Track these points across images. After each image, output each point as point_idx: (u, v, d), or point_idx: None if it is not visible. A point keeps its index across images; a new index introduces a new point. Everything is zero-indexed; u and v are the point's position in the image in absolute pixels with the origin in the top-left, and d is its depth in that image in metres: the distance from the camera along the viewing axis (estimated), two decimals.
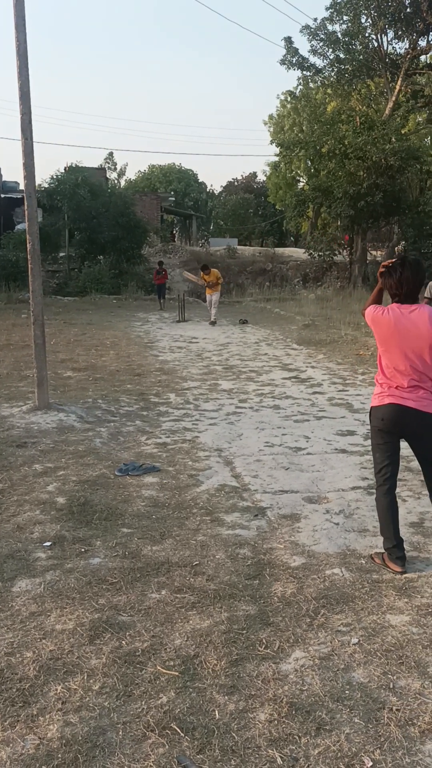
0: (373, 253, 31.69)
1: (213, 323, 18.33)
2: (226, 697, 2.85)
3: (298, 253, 35.08)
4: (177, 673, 3.00)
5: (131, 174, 62.77)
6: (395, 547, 4.02)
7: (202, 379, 10.57)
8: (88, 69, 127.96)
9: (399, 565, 3.99)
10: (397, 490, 5.24)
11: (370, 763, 2.47)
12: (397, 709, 2.76)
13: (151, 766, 2.46)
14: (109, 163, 50.19)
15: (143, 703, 2.81)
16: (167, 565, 4.09)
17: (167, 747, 2.56)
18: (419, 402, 3.86)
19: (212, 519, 4.84)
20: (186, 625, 3.42)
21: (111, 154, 51.67)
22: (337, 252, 28.15)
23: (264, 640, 3.27)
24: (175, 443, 6.84)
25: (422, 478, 5.57)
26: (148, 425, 7.56)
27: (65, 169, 29.53)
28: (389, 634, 3.33)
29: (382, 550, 4.17)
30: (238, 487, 5.54)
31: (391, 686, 2.92)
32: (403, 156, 24.13)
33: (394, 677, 2.98)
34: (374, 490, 4.90)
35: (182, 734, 2.62)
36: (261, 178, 61.70)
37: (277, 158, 44.07)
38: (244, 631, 3.35)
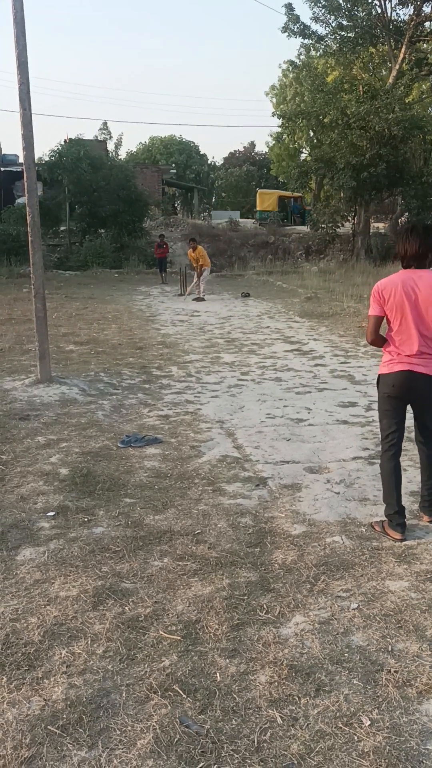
0: (377, 225, 31.45)
1: (200, 299, 17.99)
2: (227, 660, 2.90)
3: (300, 225, 34.87)
4: (179, 638, 3.06)
5: (132, 146, 62.11)
6: (396, 514, 4.06)
7: (204, 352, 10.58)
8: (86, 40, 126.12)
9: (399, 533, 4.03)
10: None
11: (368, 722, 2.52)
12: (395, 671, 2.81)
13: (154, 725, 2.51)
14: (104, 132, 49.49)
15: (146, 666, 2.87)
16: (169, 533, 4.14)
17: (170, 708, 2.61)
18: (427, 367, 3.96)
19: (214, 489, 4.88)
20: (188, 591, 3.47)
21: (105, 123, 50.93)
22: (340, 224, 27.92)
23: (265, 606, 3.32)
24: (177, 415, 6.87)
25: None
26: (150, 398, 7.58)
27: (65, 141, 29.23)
28: (388, 599, 3.38)
29: (382, 519, 4.21)
30: (240, 458, 5.57)
31: (390, 649, 2.97)
32: (406, 126, 23.77)
33: (393, 640, 3.03)
34: (375, 460, 4.94)
35: (184, 696, 2.68)
36: (260, 148, 61.01)
37: (279, 129, 43.59)
38: (245, 597, 3.40)
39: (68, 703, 2.64)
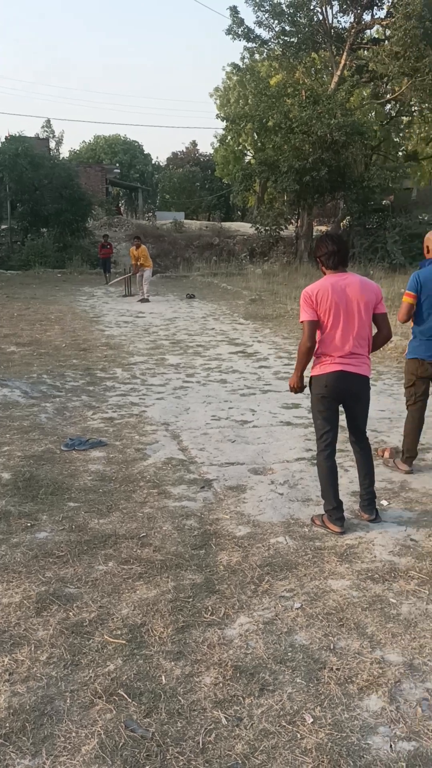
0: (319, 228, 31.90)
1: (145, 300, 17.95)
2: (172, 663, 2.91)
3: (245, 227, 35.04)
4: (124, 642, 3.06)
5: (75, 144, 61.26)
6: (335, 509, 4.19)
7: (149, 353, 10.55)
8: (32, 38, 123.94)
9: (338, 526, 4.16)
10: (340, 460, 5.39)
11: (311, 720, 2.57)
12: (337, 669, 2.87)
13: (98, 731, 2.51)
14: (47, 130, 48.67)
15: (90, 671, 2.86)
16: (114, 537, 4.12)
17: (115, 712, 2.61)
18: (359, 367, 4.16)
19: (159, 492, 4.89)
20: (133, 595, 3.46)
21: (48, 121, 50.12)
22: (283, 227, 28.21)
23: (210, 607, 3.35)
24: (122, 418, 6.84)
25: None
26: (95, 400, 7.53)
27: (6, 138, 28.69)
28: (330, 598, 3.45)
29: (322, 513, 4.31)
30: (185, 460, 5.59)
31: (332, 647, 3.03)
32: (347, 131, 24.20)
33: (335, 638, 3.10)
34: None
35: (129, 700, 2.68)
36: (203, 149, 60.99)
37: (224, 131, 43.75)
38: (191, 599, 3.42)
39: (11, 711, 2.61)
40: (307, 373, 4.29)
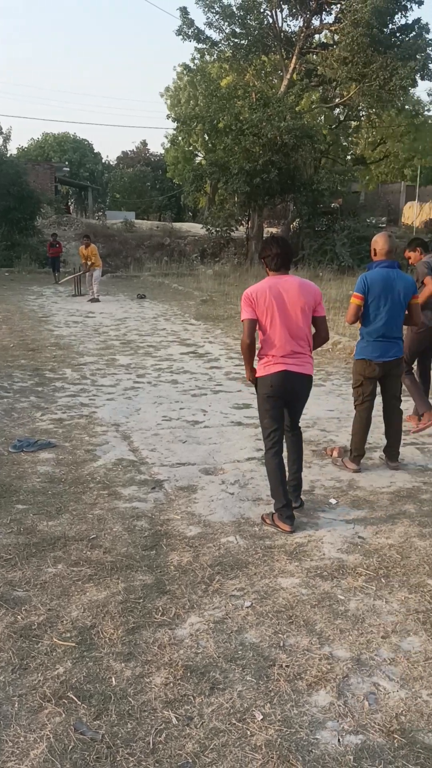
0: (270, 230, 32.14)
1: (95, 300, 17.81)
2: (122, 664, 2.90)
3: (196, 228, 35.07)
4: (74, 644, 3.03)
5: (23, 141, 60.27)
6: (285, 507, 4.25)
7: (99, 354, 10.47)
8: None
9: (288, 524, 4.21)
10: None
11: (261, 717, 2.59)
12: (286, 666, 2.91)
13: (47, 735, 2.48)
14: None
15: (39, 675, 2.82)
16: (64, 539, 4.08)
17: (64, 716, 2.59)
18: (303, 366, 4.29)
19: (109, 493, 4.86)
20: (83, 597, 3.44)
21: None
22: (234, 228, 28.33)
23: (160, 608, 3.34)
24: (71, 419, 6.77)
25: (313, 448, 5.83)
26: (44, 401, 7.44)
27: None
28: (280, 596, 3.48)
29: (272, 512, 4.35)
30: (136, 461, 5.57)
31: (282, 644, 3.06)
32: (297, 134, 24.44)
33: (284, 636, 3.13)
34: None
35: (79, 702, 2.66)
36: (153, 148, 60.74)
37: (175, 132, 43.67)
38: (141, 600, 3.41)
39: None
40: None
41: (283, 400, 4.34)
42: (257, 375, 4.38)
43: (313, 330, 4.43)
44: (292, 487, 4.50)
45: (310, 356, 4.38)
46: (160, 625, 3.20)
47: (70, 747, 2.43)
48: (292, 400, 4.40)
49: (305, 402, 4.52)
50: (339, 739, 2.49)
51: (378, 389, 5.46)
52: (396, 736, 2.51)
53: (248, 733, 2.51)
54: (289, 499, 4.30)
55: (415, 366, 6.76)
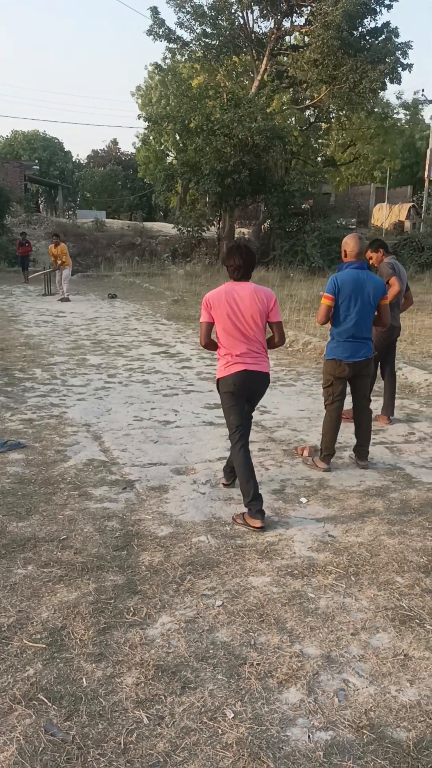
0: (241, 230, 32.22)
1: (65, 299, 17.68)
2: (93, 665, 2.89)
3: (167, 228, 35.02)
4: (44, 645, 3.01)
5: None
6: (254, 500, 4.31)
7: (70, 354, 10.41)
8: None
9: (259, 519, 4.26)
10: (261, 458, 5.49)
11: (232, 715, 2.61)
12: (257, 664, 2.93)
13: (17, 737, 2.47)
14: None
15: (9, 677, 2.80)
16: (34, 540, 4.06)
17: (34, 717, 2.57)
18: (260, 365, 4.53)
19: (80, 493, 4.83)
20: (53, 598, 3.42)
21: None
22: (205, 228, 28.33)
23: (132, 608, 3.34)
24: (41, 419, 6.72)
25: (284, 447, 5.87)
26: (13, 401, 7.37)
27: None
28: (251, 594, 3.50)
29: (243, 511, 4.37)
30: (107, 462, 5.55)
31: (252, 643, 3.08)
32: (268, 135, 24.52)
33: (255, 634, 3.15)
34: None
35: (49, 704, 2.65)
36: (124, 147, 60.43)
37: (146, 131, 43.50)
38: (112, 601, 3.40)
39: None
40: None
41: (244, 398, 4.57)
42: (218, 377, 4.61)
43: (270, 333, 4.65)
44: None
45: (266, 356, 4.61)
46: (132, 625, 3.20)
47: (41, 749, 2.42)
48: (252, 396, 4.65)
49: (261, 397, 4.77)
50: (309, 736, 2.51)
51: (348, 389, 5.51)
52: (365, 731, 2.54)
53: (219, 731, 2.52)
54: (259, 494, 4.35)
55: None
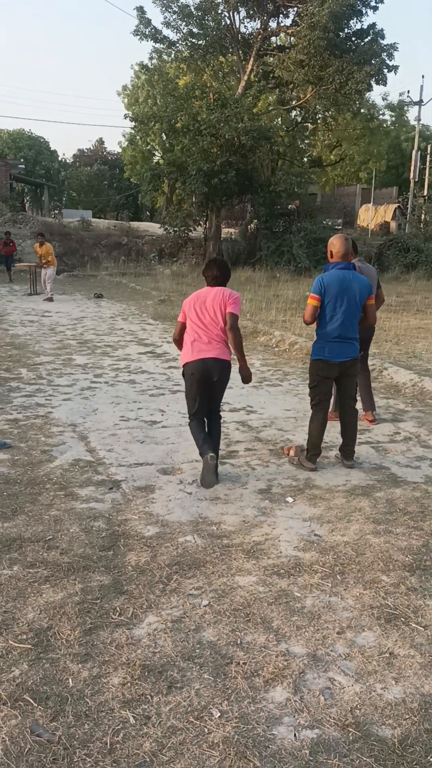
0: (228, 230, 32.24)
1: (50, 299, 17.63)
2: (79, 665, 2.89)
3: (153, 227, 34.97)
4: (30, 646, 3.00)
5: None
6: (205, 445, 4.98)
7: (56, 353, 10.37)
8: None
9: (206, 452, 4.91)
10: (247, 458, 5.51)
11: (218, 714, 2.61)
12: (243, 663, 2.93)
13: (3, 737, 2.46)
14: None
15: None
16: (19, 541, 4.04)
17: (20, 718, 2.56)
18: (218, 352, 5.07)
19: (66, 494, 4.82)
20: (39, 598, 3.41)
21: None
22: (192, 228, 28.32)
23: (118, 608, 3.34)
24: (27, 419, 6.69)
25: (270, 447, 5.89)
26: None
27: None
28: (238, 594, 3.51)
29: (228, 511, 4.39)
30: (93, 462, 5.54)
31: (239, 642, 3.09)
32: (254, 135, 24.56)
33: (242, 633, 3.16)
34: (226, 461, 5.19)
35: (35, 704, 2.64)
36: (110, 147, 60.23)
37: (132, 131, 43.38)
38: (98, 601, 3.40)
39: None
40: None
41: (203, 383, 5.10)
42: (184, 362, 5.22)
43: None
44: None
45: (226, 346, 5.11)
46: (118, 626, 3.19)
47: (26, 749, 2.41)
48: (211, 382, 5.12)
49: (224, 387, 5.25)
50: (295, 734, 2.52)
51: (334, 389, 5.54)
52: (351, 729, 2.55)
53: (206, 730, 2.53)
54: (211, 445, 5.02)
55: None
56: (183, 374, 5.27)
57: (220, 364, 5.09)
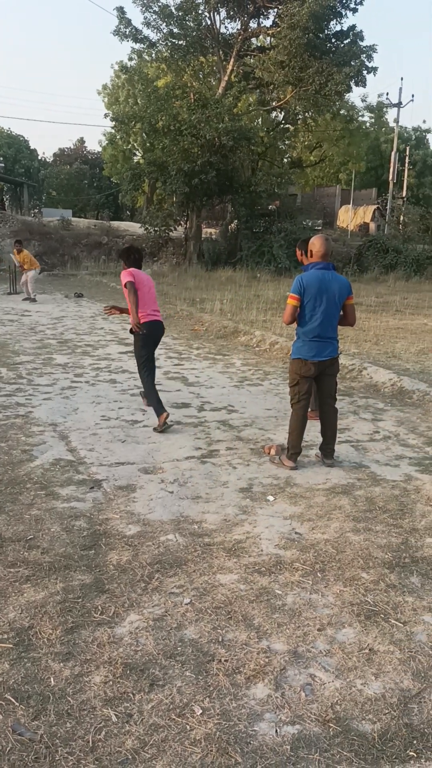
0: (208, 230, 32.25)
1: (33, 300, 17.54)
2: (61, 664, 2.89)
3: (134, 227, 34.88)
4: (11, 645, 2.99)
5: None
6: (161, 411, 6.33)
7: (36, 353, 10.32)
8: None
9: (163, 413, 6.30)
10: (228, 457, 5.53)
11: (200, 711, 2.62)
12: (225, 660, 2.95)
13: None
14: None
15: None
16: (0, 540, 4.02)
17: (1, 717, 2.56)
18: (160, 316, 6.69)
19: (47, 493, 4.81)
20: (20, 598, 3.40)
21: None
22: (172, 228, 28.30)
23: (99, 607, 3.34)
24: (7, 419, 6.66)
25: (251, 446, 5.91)
26: None
27: None
28: (219, 592, 3.52)
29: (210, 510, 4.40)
30: (74, 461, 5.52)
31: (220, 639, 3.10)
32: (235, 136, 24.61)
33: (223, 631, 3.17)
34: (207, 459, 5.20)
35: (17, 704, 2.63)
36: (90, 146, 59.94)
37: (113, 130, 43.20)
38: (80, 600, 3.40)
39: None
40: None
41: (153, 341, 6.65)
42: (142, 321, 6.48)
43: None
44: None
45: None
46: (99, 624, 3.20)
47: (8, 748, 2.40)
48: (157, 337, 6.72)
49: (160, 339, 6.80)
50: (276, 730, 2.54)
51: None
52: (331, 725, 2.58)
53: (188, 727, 2.54)
54: (165, 410, 6.38)
55: None
56: (138, 333, 6.57)
57: (163, 326, 6.84)
